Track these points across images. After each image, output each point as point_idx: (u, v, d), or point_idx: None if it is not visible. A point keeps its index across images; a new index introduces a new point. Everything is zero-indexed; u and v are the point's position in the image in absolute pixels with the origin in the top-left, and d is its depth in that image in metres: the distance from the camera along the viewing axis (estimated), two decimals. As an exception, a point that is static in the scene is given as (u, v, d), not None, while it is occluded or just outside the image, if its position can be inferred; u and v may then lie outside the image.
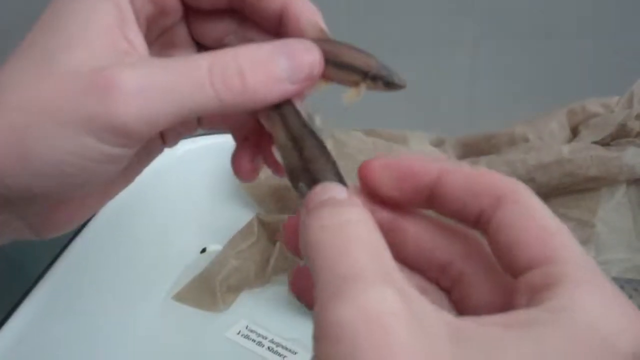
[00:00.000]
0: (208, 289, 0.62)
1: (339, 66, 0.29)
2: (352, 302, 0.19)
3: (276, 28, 0.31)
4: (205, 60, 0.27)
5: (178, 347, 0.58)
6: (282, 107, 0.29)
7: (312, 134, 0.28)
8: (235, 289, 0.62)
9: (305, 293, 0.29)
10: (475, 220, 0.25)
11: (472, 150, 0.62)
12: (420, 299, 0.21)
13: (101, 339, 0.57)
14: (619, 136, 0.59)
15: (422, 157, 0.27)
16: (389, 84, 0.29)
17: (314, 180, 0.26)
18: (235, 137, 0.36)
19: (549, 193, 0.58)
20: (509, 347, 0.20)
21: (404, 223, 0.28)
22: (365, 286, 0.20)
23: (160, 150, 0.36)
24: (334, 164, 0.27)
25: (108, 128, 0.25)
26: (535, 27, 0.91)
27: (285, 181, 0.64)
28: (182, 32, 0.34)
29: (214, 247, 0.68)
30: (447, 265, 0.27)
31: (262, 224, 0.64)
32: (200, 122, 0.36)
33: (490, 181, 0.25)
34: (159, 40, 0.33)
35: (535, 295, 0.22)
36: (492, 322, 0.21)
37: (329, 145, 0.64)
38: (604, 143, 0.59)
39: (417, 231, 0.28)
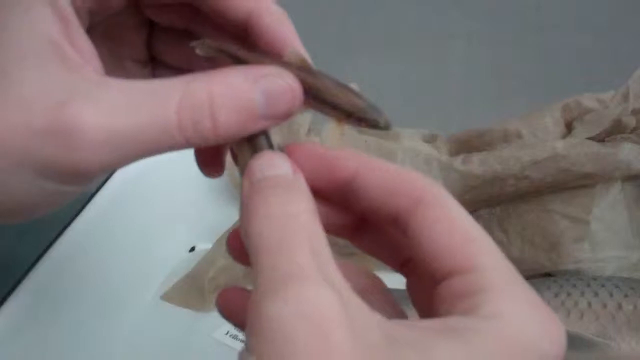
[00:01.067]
0: (196, 289, 0.61)
1: (322, 102, 0.27)
2: (291, 302, 0.19)
3: (239, 33, 0.29)
4: (174, 98, 0.24)
5: (166, 346, 0.57)
6: (254, 139, 0.27)
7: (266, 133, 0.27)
8: (223, 288, 0.61)
9: (234, 314, 0.30)
10: (392, 221, 0.25)
11: (465, 146, 0.61)
12: (356, 300, 0.21)
13: (88, 338, 0.56)
14: (614, 132, 0.58)
15: (341, 151, 0.26)
16: (374, 126, 0.27)
17: None
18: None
19: (544, 190, 0.57)
20: (440, 352, 0.20)
21: (361, 174, 0.27)
22: (304, 285, 0.20)
23: None
24: None
25: (70, 174, 0.24)
26: (529, 21, 0.91)
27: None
28: (129, 21, 0.32)
29: (203, 246, 0.67)
30: (405, 262, 0.28)
31: (252, 222, 0.63)
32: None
33: (407, 180, 0.25)
34: (103, 32, 0.31)
35: (456, 303, 0.23)
36: (424, 327, 0.21)
37: (320, 142, 0.64)
38: (599, 139, 0.58)
39: (372, 228, 0.28)
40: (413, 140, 0.61)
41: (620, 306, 0.47)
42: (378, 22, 0.91)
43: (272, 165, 0.24)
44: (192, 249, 0.68)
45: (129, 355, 0.56)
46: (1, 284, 0.55)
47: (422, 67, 0.89)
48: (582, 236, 0.56)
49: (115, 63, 0.32)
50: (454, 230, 0.24)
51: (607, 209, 0.57)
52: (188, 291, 0.61)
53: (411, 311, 0.27)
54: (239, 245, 0.27)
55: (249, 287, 0.61)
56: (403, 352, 0.19)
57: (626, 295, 0.48)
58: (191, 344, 0.57)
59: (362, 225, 0.28)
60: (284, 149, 0.27)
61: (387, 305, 0.27)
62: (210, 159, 0.33)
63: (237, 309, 0.30)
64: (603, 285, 0.50)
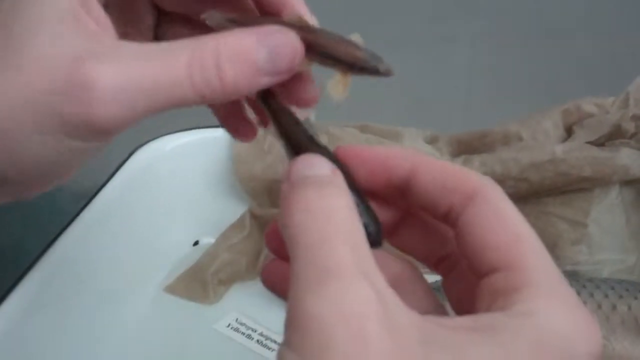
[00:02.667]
0: (199, 282, 0.62)
1: (324, 56, 0.28)
2: (330, 298, 0.19)
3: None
4: (184, 54, 0.26)
5: (168, 338, 0.58)
6: (270, 103, 0.29)
7: (301, 127, 0.28)
8: (226, 282, 0.62)
9: (278, 286, 0.30)
10: (444, 216, 0.25)
11: (465, 148, 0.62)
12: (394, 298, 0.21)
13: (93, 329, 0.57)
14: (614, 137, 0.59)
15: (396, 150, 0.27)
16: (375, 73, 0.29)
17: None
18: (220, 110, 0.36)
19: (542, 192, 0.58)
20: (473, 350, 0.20)
21: (401, 214, 0.28)
22: (344, 283, 0.20)
23: None
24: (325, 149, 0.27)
25: (87, 129, 0.25)
26: (532, 26, 0.91)
27: (279, 175, 0.65)
28: (138, 5, 0.34)
29: (207, 240, 0.68)
30: (442, 258, 0.28)
31: (255, 217, 0.64)
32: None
33: (462, 177, 0.25)
34: (114, 13, 0.32)
35: (497, 299, 0.23)
36: (459, 325, 0.21)
37: (324, 140, 0.65)
38: (598, 143, 0.59)
39: (412, 224, 0.28)
40: (415, 141, 0.62)
41: (614, 307, 0.48)
42: (382, 23, 0.91)
43: (312, 165, 0.24)
44: (196, 243, 0.69)
45: (132, 346, 0.57)
46: (8, 275, 0.55)
47: (427, 68, 0.89)
48: (579, 239, 0.57)
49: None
50: (502, 227, 0.24)
51: (604, 212, 0.58)
52: (191, 284, 0.62)
53: (446, 303, 0.28)
54: (277, 240, 0.27)
55: (253, 281, 0.61)
56: (436, 351, 0.20)
57: (621, 297, 0.49)
58: (193, 335, 0.58)
59: (401, 223, 0.28)
60: (335, 151, 0.27)
61: (425, 295, 0.27)
62: (236, 123, 0.35)
63: (280, 281, 0.29)
64: (598, 287, 0.51)
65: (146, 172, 0.66)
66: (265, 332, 0.57)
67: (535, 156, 0.56)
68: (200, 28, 0.31)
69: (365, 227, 0.25)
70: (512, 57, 0.89)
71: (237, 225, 0.64)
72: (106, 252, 0.62)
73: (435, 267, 0.28)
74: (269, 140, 0.66)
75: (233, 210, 0.66)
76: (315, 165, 0.24)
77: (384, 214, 0.27)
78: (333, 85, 0.28)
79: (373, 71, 0.28)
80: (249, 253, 0.63)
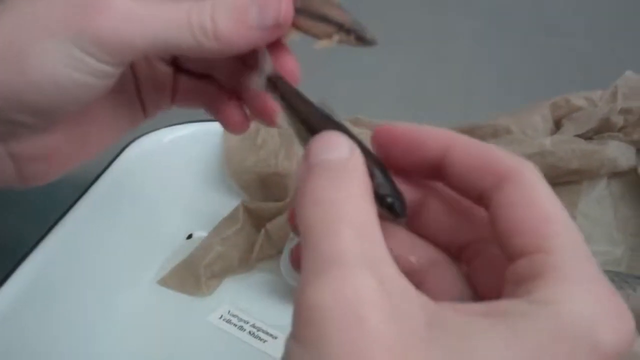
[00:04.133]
0: (192, 274, 0.62)
1: (314, 17, 0.30)
2: (329, 287, 0.19)
3: None
4: (186, 5, 0.29)
5: (161, 330, 0.59)
6: (279, 85, 0.30)
7: (314, 107, 0.28)
8: (219, 274, 0.63)
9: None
10: (478, 197, 0.25)
11: (456, 141, 0.62)
12: (402, 285, 0.21)
13: (87, 320, 0.58)
14: (602, 130, 0.60)
15: (430, 129, 0.26)
16: (361, 39, 0.30)
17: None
18: (214, 102, 0.37)
19: (531, 185, 0.58)
20: (482, 335, 0.19)
21: (427, 197, 0.28)
22: (345, 271, 0.20)
23: (140, 120, 0.38)
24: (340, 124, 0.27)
25: (96, 41, 0.28)
26: (520, 22, 0.92)
27: (271, 167, 0.65)
28: None
29: (200, 234, 0.68)
30: (467, 244, 0.27)
31: (248, 211, 0.65)
32: (174, 97, 0.38)
33: (495, 159, 0.24)
34: None
35: (520, 285, 0.22)
36: (472, 310, 0.21)
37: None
38: (587, 137, 0.60)
39: (439, 207, 0.28)
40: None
41: (600, 297, 0.49)
42: (380, 18, 0.92)
43: (329, 147, 0.24)
44: (190, 236, 0.69)
45: (125, 337, 0.58)
46: (4, 264, 0.56)
47: (422, 64, 0.90)
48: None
49: (145, 58, 0.36)
50: (532, 209, 0.23)
51: (593, 204, 0.58)
52: (184, 277, 0.63)
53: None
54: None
55: (245, 274, 0.62)
56: (443, 336, 0.19)
57: (606, 287, 0.49)
58: (186, 327, 0.59)
59: (424, 206, 0.28)
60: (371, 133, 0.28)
61: (454, 280, 0.26)
62: (235, 115, 0.36)
63: None
64: (585, 278, 0.51)
65: (140, 165, 0.67)
66: (257, 324, 0.58)
67: (524, 149, 0.56)
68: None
69: (386, 199, 0.25)
70: (510, 53, 0.90)
71: (230, 218, 0.65)
72: (100, 244, 0.62)
73: (457, 255, 0.27)
74: (261, 135, 0.66)
75: (226, 203, 0.67)
76: (333, 147, 0.24)
77: (409, 194, 0.27)
78: (320, 44, 0.30)
79: (360, 34, 0.30)
80: (242, 246, 0.64)
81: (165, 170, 0.68)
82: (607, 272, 0.52)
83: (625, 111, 0.60)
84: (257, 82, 0.31)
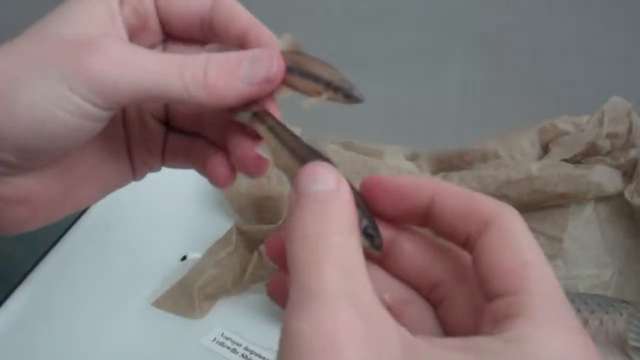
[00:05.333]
0: (186, 296, 0.63)
1: (303, 75, 0.31)
2: (310, 318, 0.21)
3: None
4: (180, 57, 0.30)
5: (154, 352, 0.59)
6: (266, 120, 0.31)
7: (301, 140, 0.29)
8: (212, 296, 0.63)
9: (281, 298, 0.30)
10: (464, 243, 0.26)
11: (445, 165, 0.64)
12: (381, 317, 0.22)
13: (81, 341, 0.58)
14: (589, 154, 0.61)
15: (416, 178, 0.28)
16: (349, 97, 0.31)
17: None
18: (202, 159, 0.37)
19: (520, 209, 0.58)
20: None
21: (401, 238, 0.29)
22: (326, 303, 0.21)
23: (128, 179, 0.38)
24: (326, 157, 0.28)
25: (86, 82, 0.28)
26: (508, 47, 0.93)
27: (264, 191, 0.66)
28: None
29: (194, 255, 0.69)
30: (438, 284, 0.28)
31: (241, 233, 0.66)
32: (164, 157, 0.38)
33: (479, 206, 0.26)
34: None
35: (497, 323, 0.23)
36: (448, 344, 0.22)
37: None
38: (575, 161, 0.61)
39: (412, 248, 0.29)
40: (396, 158, 0.63)
41: (586, 321, 0.50)
42: (373, 41, 0.93)
43: (317, 178, 0.25)
44: (184, 258, 0.70)
45: (119, 359, 0.58)
46: (-1, 289, 0.57)
47: (415, 87, 0.91)
48: (555, 254, 0.58)
49: (138, 115, 0.37)
50: (510, 253, 0.24)
51: (580, 228, 0.59)
52: (178, 299, 0.63)
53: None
54: (276, 249, 0.28)
55: (238, 296, 0.62)
56: None
57: (592, 312, 0.50)
58: (179, 349, 0.59)
59: (395, 246, 0.29)
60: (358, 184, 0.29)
61: (429, 317, 0.28)
62: (222, 169, 0.36)
63: (283, 294, 0.32)
64: (573, 301, 0.52)
65: (135, 188, 0.67)
66: (250, 347, 0.58)
67: (511, 174, 0.57)
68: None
69: (368, 230, 0.27)
70: (499, 76, 0.91)
71: (224, 240, 0.66)
72: (94, 266, 0.63)
73: (428, 294, 0.28)
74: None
75: (220, 225, 0.67)
76: (321, 178, 0.25)
77: (382, 232, 0.28)
78: (308, 102, 0.31)
79: (347, 92, 0.31)
80: (235, 268, 0.65)
81: (159, 193, 0.69)
82: (594, 297, 0.53)
83: (611, 135, 0.61)
84: (241, 115, 0.32)
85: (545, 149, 0.62)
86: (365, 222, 0.27)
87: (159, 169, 0.39)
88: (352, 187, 0.27)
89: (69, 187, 0.34)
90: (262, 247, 0.64)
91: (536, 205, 0.59)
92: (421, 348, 0.21)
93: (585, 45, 0.90)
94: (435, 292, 0.28)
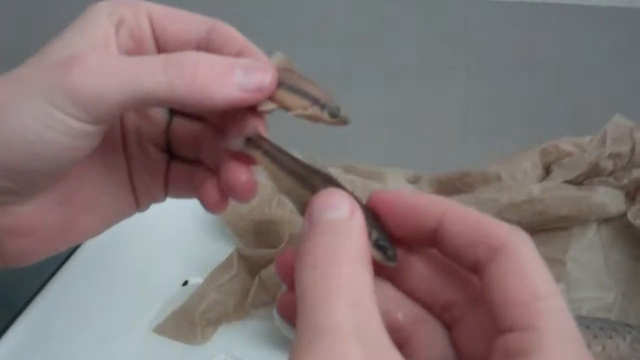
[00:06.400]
0: (188, 322, 0.63)
1: (292, 90, 0.31)
2: (318, 355, 0.20)
3: None
4: (163, 55, 0.29)
5: (156, 380, 0.59)
6: (263, 145, 0.31)
7: (303, 163, 0.29)
8: (214, 322, 0.63)
9: (292, 316, 0.29)
10: (473, 268, 0.25)
11: (447, 188, 0.63)
12: (388, 352, 0.21)
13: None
14: (592, 175, 0.60)
15: (426, 198, 0.27)
16: (334, 116, 0.30)
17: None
18: (201, 180, 0.36)
19: (522, 231, 0.59)
20: None
21: (411, 257, 0.28)
22: (334, 341, 0.21)
23: (132, 211, 0.38)
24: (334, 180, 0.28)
25: (66, 95, 0.28)
26: (509, 65, 0.92)
27: (265, 215, 0.66)
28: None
29: (195, 280, 0.68)
30: (450, 305, 0.27)
31: (242, 258, 0.65)
32: (167, 187, 0.38)
33: (487, 230, 0.25)
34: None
35: (508, 359, 0.22)
36: None
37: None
38: (577, 182, 0.60)
39: (423, 268, 0.28)
40: (397, 181, 0.63)
41: (589, 346, 0.49)
42: (374, 59, 0.93)
43: (331, 206, 0.25)
44: (185, 283, 0.69)
45: (120, 387, 0.58)
46: (3, 315, 0.57)
47: (416, 105, 0.91)
48: (558, 277, 0.58)
49: (138, 144, 0.36)
50: (522, 285, 0.23)
51: (583, 250, 0.59)
52: (180, 324, 0.63)
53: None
54: (286, 267, 0.28)
55: (240, 321, 0.62)
56: None
57: (595, 336, 0.50)
58: (181, 376, 0.59)
59: (408, 264, 0.28)
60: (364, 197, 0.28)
61: (436, 338, 0.27)
62: (214, 195, 0.36)
63: (293, 312, 0.32)
64: (575, 326, 0.51)
65: (136, 215, 0.67)
66: (252, 374, 0.58)
67: (513, 196, 0.57)
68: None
69: (380, 241, 0.26)
70: (501, 94, 0.91)
71: (225, 265, 0.65)
72: (96, 292, 0.63)
73: (440, 314, 0.28)
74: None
75: (221, 250, 0.67)
76: (334, 206, 0.25)
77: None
78: (294, 112, 0.31)
79: (333, 112, 0.30)
80: (237, 293, 0.64)
81: (160, 218, 0.69)
82: (597, 320, 0.52)
83: (614, 156, 0.61)
84: (234, 143, 0.32)
85: (547, 171, 0.62)
86: (375, 234, 0.27)
87: (163, 200, 0.39)
88: (360, 201, 0.27)
89: (71, 217, 0.34)
90: (263, 272, 0.63)
91: (538, 228, 0.58)
92: None
93: (589, 63, 0.89)
94: (448, 312, 0.27)
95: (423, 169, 0.67)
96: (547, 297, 0.23)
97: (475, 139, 0.85)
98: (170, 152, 0.37)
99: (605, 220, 0.59)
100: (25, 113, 0.28)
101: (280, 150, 0.30)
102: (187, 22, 0.33)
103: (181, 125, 0.37)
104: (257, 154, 0.31)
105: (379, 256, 0.27)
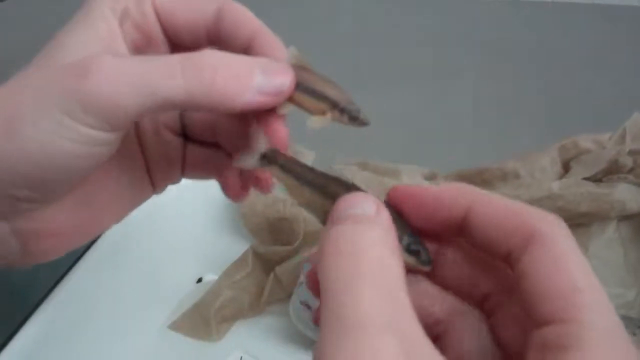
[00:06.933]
0: (203, 319, 0.63)
1: (310, 93, 0.30)
2: (348, 349, 0.19)
3: None
4: (179, 57, 0.28)
5: (171, 376, 0.59)
6: (279, 159, 0.30)
7: (321, 172, 0.28)
8: (229, 319, 0.63)
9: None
10: (504, 257, 0.24)
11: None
12: (424, 346, 0.20)
13: (97, 366, 0.58)
14: (611, 172, 0.60)
15: (452, 188, 0.26)
16: (354, 119, 0.30)
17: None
18: (221, 170, 0.36)
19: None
20: None
21: (443, 248, 0.27)
22: (366, 336, 0.19)
23: (149, 195, 0.37)
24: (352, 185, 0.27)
25: (82, 106, 0.26)
26: (527, 64, 0.92)
27: (280, 213, 0.65)
28: None
29: (210, 277, 0.68)
30: (487, 295, 0.26)
31: (257, 255, 0.65)
32: (184, 169, 0.37)
33: (520, 219, 0.23)
34: None
35: (546, 353, 0.21)
36: None
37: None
38: (596, 179, 0.60)
39: (456, 257, 0.27)
40: (413, 178, 0.62)
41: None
42: (385, 58, 0.93)
43: (356, 203, 0.24)
44: (200, 280, 0.69)
45: (135, 384, 0.58)
46: (18, 310, 0.56)
47: (427, 105, 0.90)
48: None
49: (154, 131, 0.36)
50: (560, 276, 0.22)
51: (603, 247, 0.58)
52: (195, 321, 0.63)
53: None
54: (314, 279, 0.26)
55: (255, 318, 0.61)
56: None
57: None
58: (196, 373, 0.59)
59: (441, 257, 0.27)
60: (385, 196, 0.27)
61: (475, 329, 0.26)
62: (235, 183, 0.35)
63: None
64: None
65: (151, 210, 0.67)
66: (268, 370, 0.58)
67: (532, 193, 0.56)
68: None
69: (412, 246, 0.25)
70: (515, 92, 0.90)
71: (240, 262, 0.65)
72: (111, 289, 0.62)
73: (479, 304, 0.27)
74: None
75: (236, 247, 0.67)
76: (359, 204, 0.24)
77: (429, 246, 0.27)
78: (312, 122, 0.30)
79: (353, 115, 0.30)
80: (252, 290, 0.64)
81: (175, 215, 0.69)
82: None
83: (634, 152, 0.60)
84: (249, 161, 0.31)
85: (566, 168, 0.61)
86: (407, 239, 0.26)
87: (179, 181, 0.38)
88: (388, 205, 0.26)
89: (92, 215, 0.34)
90: (278, 269, 0.63)
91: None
92: None
93: (606, 60, 0.89)
94: (486, 302, 0.26)
95: (437, 167, 0.67)
96: (588, 290, 0.22)
97: (489, 137, 0.84)
98: (187, 135, 0.37)
99: (625, 217, 0.58)
100: (42, 127, 0.27)
101: (296, 162, 0.30)
102: (194, 6, 0.32)
103: None
104: (273, 170, 0.30)
105: (412, 261, 0.26)
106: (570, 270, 0.22)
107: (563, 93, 0.87)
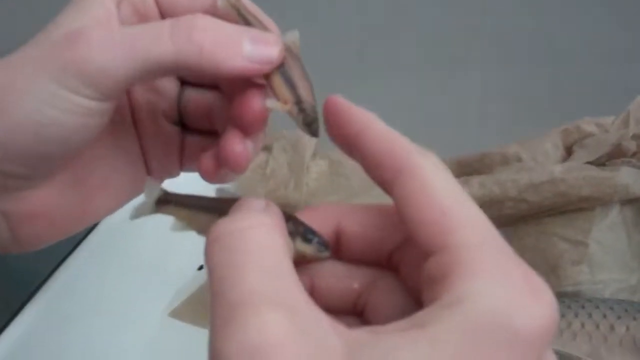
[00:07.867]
0: (204, 306, 0.62)
1: (287, 80, 0.29)
2: (234, 335, 0.18)
3: None
4: (170, 19, 0.28)
5: (173, 363, 0.59)
6: (169, 199, 0.31)
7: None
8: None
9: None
10: (386, 190, 0.24)
11: (465, 169, 0.62)
12: (314, 316, 0.20)
13: (98, 353, 0.58)
14: (614, 156, 0.59)
15: (353, 107, 0.26)
16: (307, 124, 0.29)
17: None
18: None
19: (542, 213, 0.58)
20: (403, 354, 0.19)
21: (341, 224, 0.27)
22: (248, 314, 0.19)
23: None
24: None
25: (73, 74, 0.27)
26: (529, 47, 0.91)
27: (281, 199, 0.65)
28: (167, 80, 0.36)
29: (211, 264, 0.68)
30: (390, 252, 0.26)
31: (258, 241, 0.65)
32: (183, 162, 0.37)
33: (391, 151, 0.24)
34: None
35: (432, 287, 0.21)
36: (391, 329, 0.20)
37: (325, 165, 0.65)
38: (599, 163, 0.59)
39: (355, 228, 0.27)
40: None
41: (612, 327, 0.48)
42: (391, 46, 0.92)
43: (245, 201, 0.25)
44: (201, 267, 0.69)
45: (136, 370, 0.58)
46: (16, 296, 0.57)
47: (429, 91, 0.90)
48: (580, 259, 0.57)
49: (151, 119, 0.35)
50: (428, 203, 0.22)
51: (606, 231, 0.57)
52: (195, 308, 0.63)
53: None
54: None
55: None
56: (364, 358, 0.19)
57: (619, 317, 0.49)
58: None
59: (340, 236, 0.27)
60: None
61: (393, 292, 0.26)
62: (208, 162, 0.35)
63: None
64: (597, 307, 0.50)
65: (151, 198, 0.67)
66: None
67: (533, 177, 0.56)
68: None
69: (308, 235, 0.26)
70: (520, 80, 0.89)
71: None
72: (111, 276, 0.62)
73: (388, 265, 0.27)
74: (270, 165, 0.67)
75: (237, 234, 0.67)
76: (248, 201, 0.25)
77: (323, 229, 0.27)
78: (272, 103, 0.30)
79: (307, 120, 0.29)
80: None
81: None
82: (621, 302, 0.51)
83: (637, 136, 0.59)
84: (144, 212, 0.31)
85: (568, 152, 0.61)
86: (301, 229, 0.26)
87: (177, 174, 0.38)
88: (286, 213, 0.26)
89: (85, 198, 0.33)
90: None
91: (560, 209, 0.57)
92: (364, 343, 0.19)
93: (607, 45, 0.88)
94: (393, 259, 0.26)
95: (443, 154, 0.66)
96: (457, 211, 0.21)
97: (493, 124, 0.84)
98: (184, 125, 0.37)
99: (629, 201, 0.58)
100: (35, 97, 0.27)
101: (188, 196, 0.30)
102: None
103: (192, 96, 0.36)
104: (168, 209, 0.31)
105: (310, 249, 0.26)
106: (439, 196, 0.22)
107: (566, 77, 0.87)
